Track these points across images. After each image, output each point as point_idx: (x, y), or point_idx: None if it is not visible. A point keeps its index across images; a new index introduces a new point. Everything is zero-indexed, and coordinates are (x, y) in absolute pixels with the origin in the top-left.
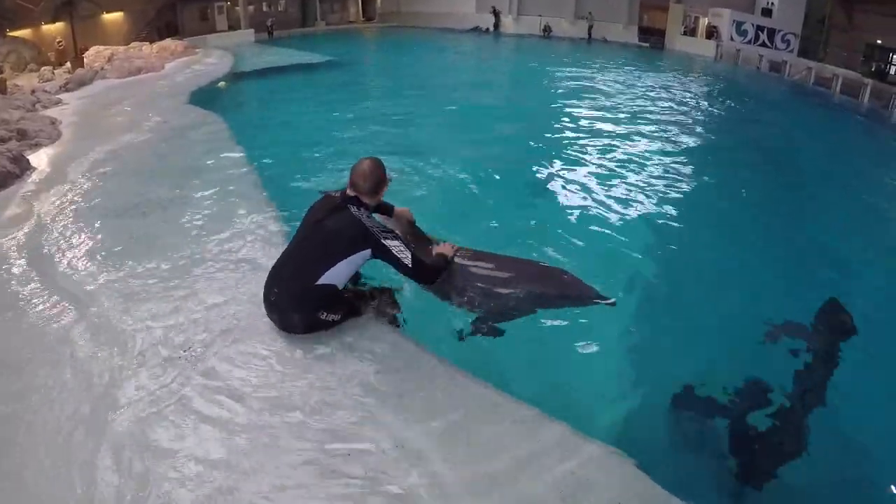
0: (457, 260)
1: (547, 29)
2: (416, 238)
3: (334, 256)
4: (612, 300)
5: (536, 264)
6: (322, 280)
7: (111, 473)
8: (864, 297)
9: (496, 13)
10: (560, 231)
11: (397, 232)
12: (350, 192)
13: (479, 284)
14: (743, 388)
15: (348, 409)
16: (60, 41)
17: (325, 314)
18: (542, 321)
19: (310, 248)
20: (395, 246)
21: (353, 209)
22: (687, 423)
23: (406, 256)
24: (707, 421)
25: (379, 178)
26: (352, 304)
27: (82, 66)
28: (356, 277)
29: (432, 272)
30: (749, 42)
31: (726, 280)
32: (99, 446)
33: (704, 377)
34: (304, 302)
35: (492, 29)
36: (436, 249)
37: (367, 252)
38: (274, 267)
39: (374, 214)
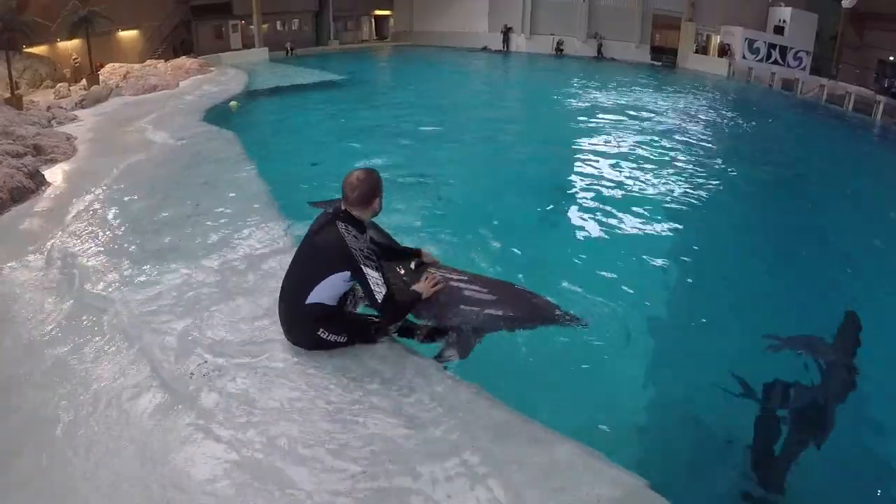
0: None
1: (560, 48)
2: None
3: (317, 275)
4: (585, 322)
5: (510, 286)
6: (311, 299)
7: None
8: (879, 311)
9: (507, 31)
10: (571, 248)
11: (383, 263)
12: (342, 206)
13: (451, 300)
14: (754, 400)
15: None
16: (76, 58)
17: (326, 333)
18: (555, 338)
19: (300, 265)
20: (372, 277)
21: (341, 226)
22: (701, 441)
23: (380, 292)
24: (722, 440)
25: (369, 188)
26: (359, 326)
27: (98, 82)
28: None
29: (396, 314)
30: (761, 60)
31: (741, 295)
32: (113, 458)
33: (717, 394)
34: (300, 319)
35: (502, 48)
36: (416, 286)
37: (347, 274)
38: (282, 283)
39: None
